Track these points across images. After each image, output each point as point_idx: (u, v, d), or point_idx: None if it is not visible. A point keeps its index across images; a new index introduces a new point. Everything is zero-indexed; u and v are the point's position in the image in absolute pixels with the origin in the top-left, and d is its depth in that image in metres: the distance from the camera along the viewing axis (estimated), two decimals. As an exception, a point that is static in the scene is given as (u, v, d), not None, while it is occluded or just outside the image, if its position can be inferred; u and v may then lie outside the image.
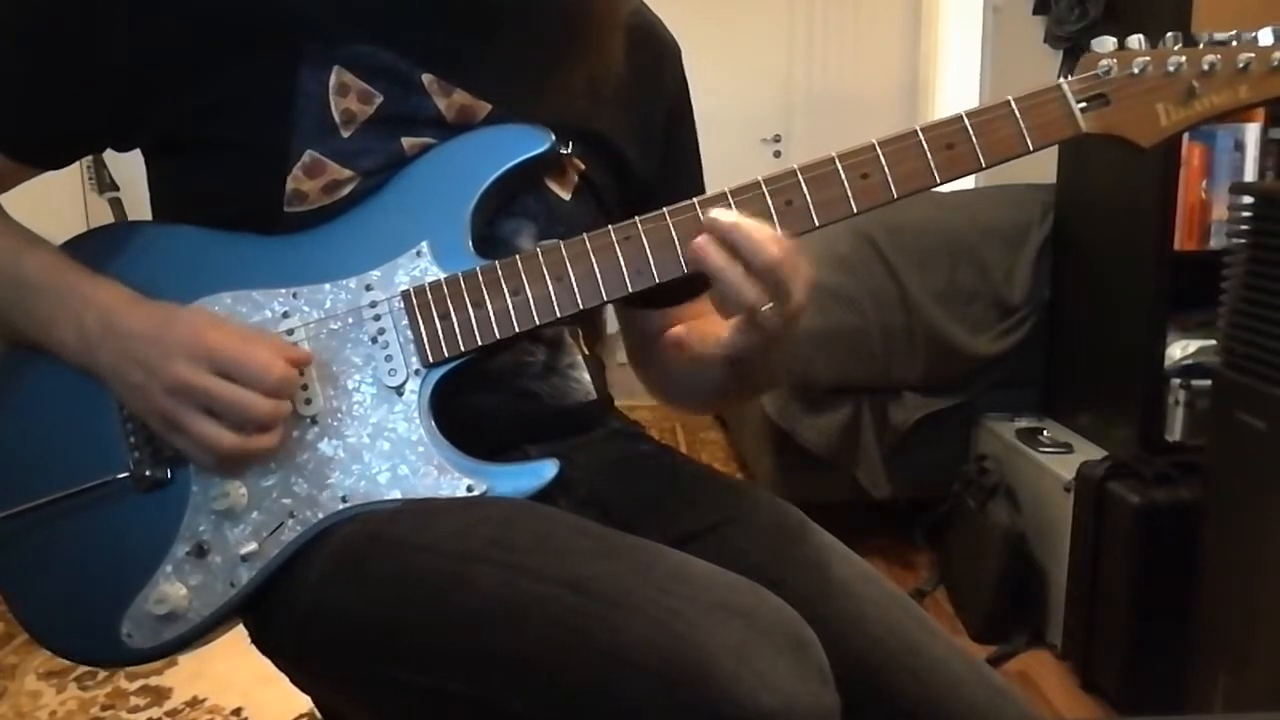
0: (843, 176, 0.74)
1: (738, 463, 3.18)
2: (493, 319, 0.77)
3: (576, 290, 0.76)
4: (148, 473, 0.77)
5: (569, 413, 0.89)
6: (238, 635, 0.82)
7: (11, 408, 0.80)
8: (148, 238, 0.82)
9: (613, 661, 0.60)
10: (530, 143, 0.79)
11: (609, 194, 0.88)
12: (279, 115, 0.76)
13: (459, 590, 0.67)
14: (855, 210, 0.75)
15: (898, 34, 4.48)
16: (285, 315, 0.78)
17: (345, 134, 0.78)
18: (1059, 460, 2.06)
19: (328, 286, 0.78)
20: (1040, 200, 2.38)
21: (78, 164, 0.88)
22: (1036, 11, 2.70)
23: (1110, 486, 1.81)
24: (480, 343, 0.77)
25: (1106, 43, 0.75)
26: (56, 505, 0.77)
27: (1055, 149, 2.31)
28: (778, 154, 4.56)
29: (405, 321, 0.77)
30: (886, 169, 0.74)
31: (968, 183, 2.95)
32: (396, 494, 0.76)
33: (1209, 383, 1.65)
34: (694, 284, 0.75)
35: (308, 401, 0.77)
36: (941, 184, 0.76)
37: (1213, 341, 1.87)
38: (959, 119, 0.74)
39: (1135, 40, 0.75)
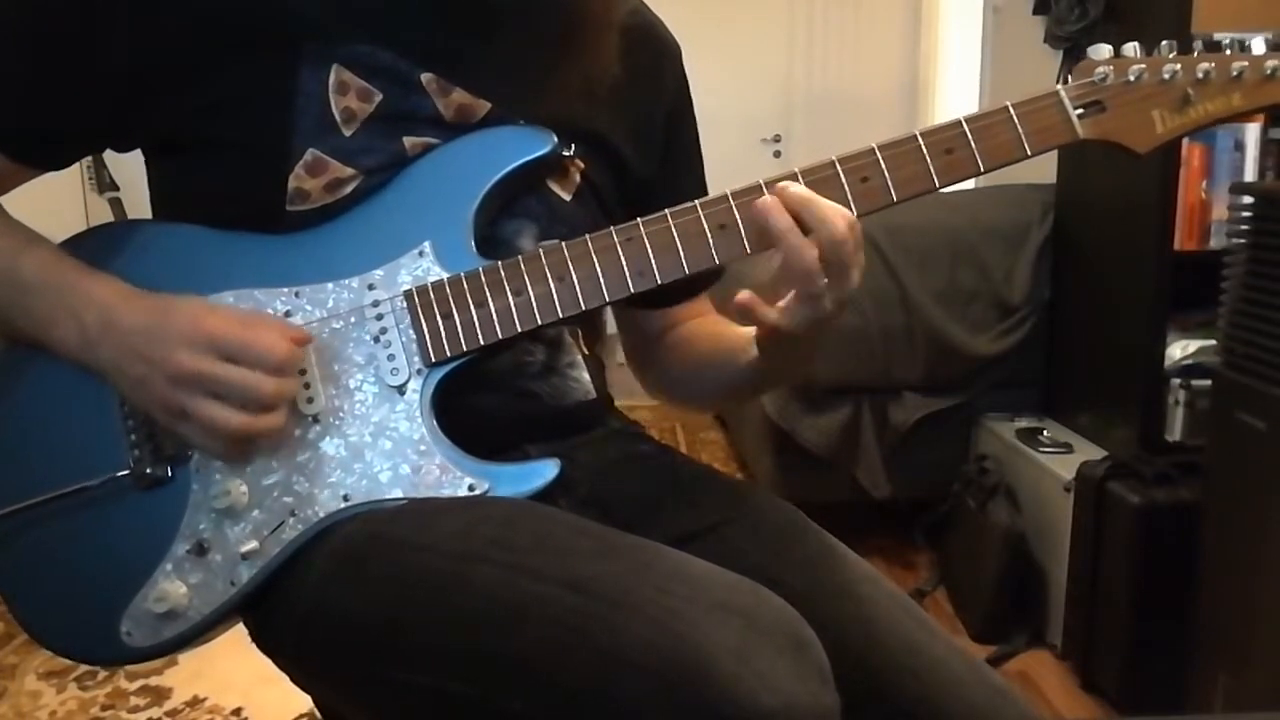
0: (843, 180, 0.75)
1: (738, 463, 3.18)
2: (495, 319, 0.77)
3: (578, 291, 0.76)
4: (148, 470, 0.77)
5: (569, 412, 0.89)
6: (238, 635, 0.82)
7: (11, 406, 0.80)
8: (148, 236, 0.82)
9: (613, 661, 0.60)
10: (533, 144, 0.79)
11: (610, 194, 0.89)
12: (279, 114, 0.76)
13: (459, 590, 0.67)
14: (855, 214, 0.75)
15: (898, 34, 4.48)
16: (288, 314, 0.78)
17: (347, 132, 0.78)
18: (1059, 460, 2.06)
19: (330, 286, 0.78)
20: (1040, 200, 2.38)
21: (78, 164, 0.87)
22: (1036, 11, 2.70)
23: (1110, 486, 1.81)
24: (482, 342, 0.77)
25: (1102, 50, 0.76)
26: (56, 503, 0.77)
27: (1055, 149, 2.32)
28: (778, 154, 4.56)
29: (408, 321, 0.77)
30: (886, 173, 0.75)
31: (968, 183, 2.94)
32: (398, 493, 0.76)
33: (1209, 383, 1.65)
34: (694, 284, 0.75)
35: (310, 400, 0.77)
36: (941, 188, 0.76)
37: (1213, 341, 1.87)
38: (958, 124, 0.75)
39: (1131, 48, 0.76)
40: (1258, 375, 1.45)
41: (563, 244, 0.77)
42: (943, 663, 0.73)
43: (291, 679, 0.82)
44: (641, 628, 0.60)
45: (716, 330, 0.95)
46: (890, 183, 0.75)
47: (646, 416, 1.06)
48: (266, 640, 0.79)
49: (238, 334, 0.73)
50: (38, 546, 0.79)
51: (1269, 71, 0.74)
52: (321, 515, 0.76)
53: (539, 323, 0.77)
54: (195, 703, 1.91)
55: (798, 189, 0.72)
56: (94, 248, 0.80)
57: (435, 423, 0.77)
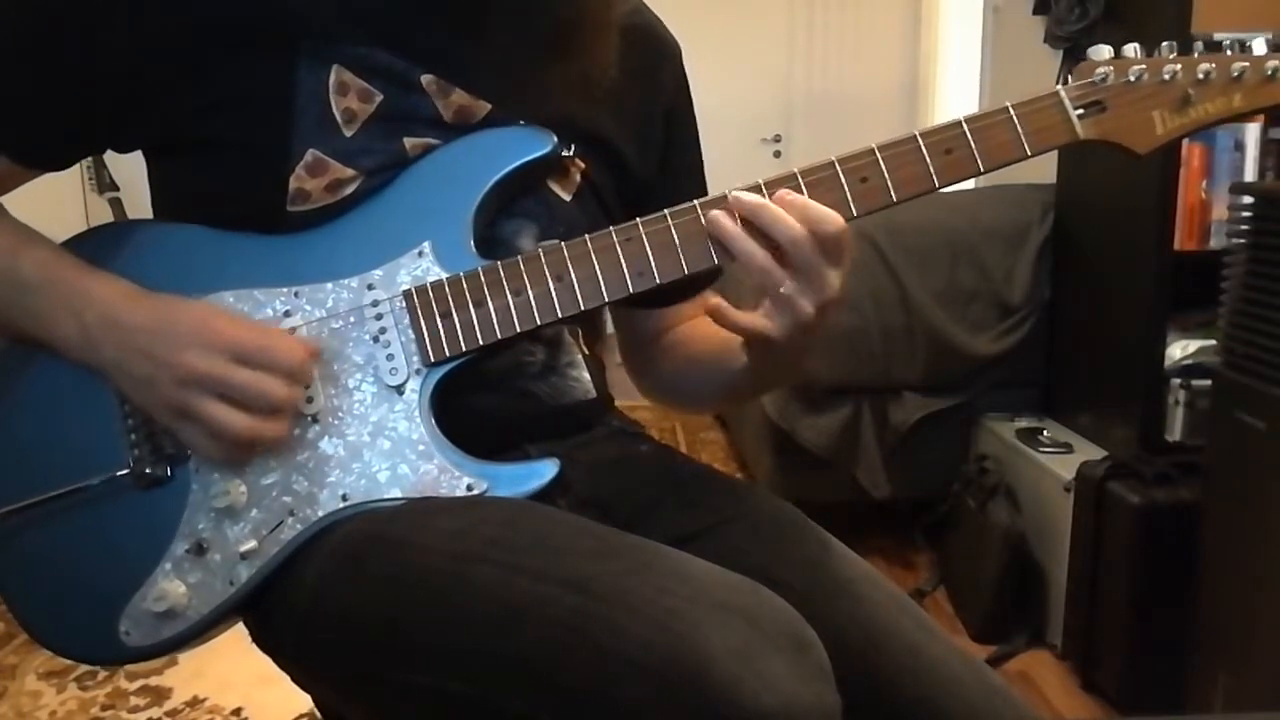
0: (843, 180, 0.75)
1: (738, 463, 3.18)
2: (494, 318, 0.77)
3: (578, 290, 0.76)
4: (148, 470, 0.77)
5: (568, 412, 0.89)
6: (238, 635, 0.82)
7: (11, 405, 0.80)
8: (148, 236, 0.82)
9: (613, 661, 0.60)
10: (533, 144, 0.79)
11: (610, 195, 0.89)
12: (279, 115, 0.76)
13: (459, 590, 0.67)
14: (854, 214, 0.75)
15: (898, 34, 4.49)
16: (287, 314, 0.78)
17: (347, 133, 0.78)
18: (1059, 460, 2.06)
19: (330, 285, 0.78)
20: (1040, 200, 2.38)
21: (78, 164, 0.87)
22: (1036, 11, 2.70)
23: (1110, 486, 1.81)
24: (481, 342, 0.77)
25: (1103, 51, 0.76)
26: (55, 503, 0.77)
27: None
28: (778, 154, 4.56)
29: (407, 321, 0.77)
30: (886, 173, 0.75)
31: (968, 183, 2.94)
32: (396, 492, 0.76)
33: (1209, 383, 1.65)
34: (691, 286, 0.75)
35: (309, 400, 0.77)
36: (940, 188, 0.76)
37: (1213, 341, 1.87)
38: (958, 124, 0.75)
39: (1131, 49, 0.76)
40: (1258, 375, 1.45)
41: (562, 244, 0.77)
42: (942, 663, 0.73)
43: (291, 679, 0.82)
44: (642, 628, 0.60)
45: (712, 332, 0.95)
46: (890, 183, 0.75)
47: (647, 416, 1.06)
48: (266, 640, 0.79)
49: (253, 338, 0.73)
50: (37, 546, 0.79)
51: (1269, 72, 0.74)
52: (320, 515, 0.76)
53: (538, 323, 0.77)
54: (195, 703, 1.91)
55: (750, 198, 0.74)
56: (94, 247, 0.80)
57: (434, 423, 0.77)
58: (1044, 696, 1.91)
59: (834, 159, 0.75)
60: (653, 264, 0.76)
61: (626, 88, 0.88)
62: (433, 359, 0.77)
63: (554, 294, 0.76)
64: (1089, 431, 2.19)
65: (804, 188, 0.74)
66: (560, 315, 0.77)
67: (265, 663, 0.80)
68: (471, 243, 0.78)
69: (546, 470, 0.77)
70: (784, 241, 0.72)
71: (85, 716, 1.89)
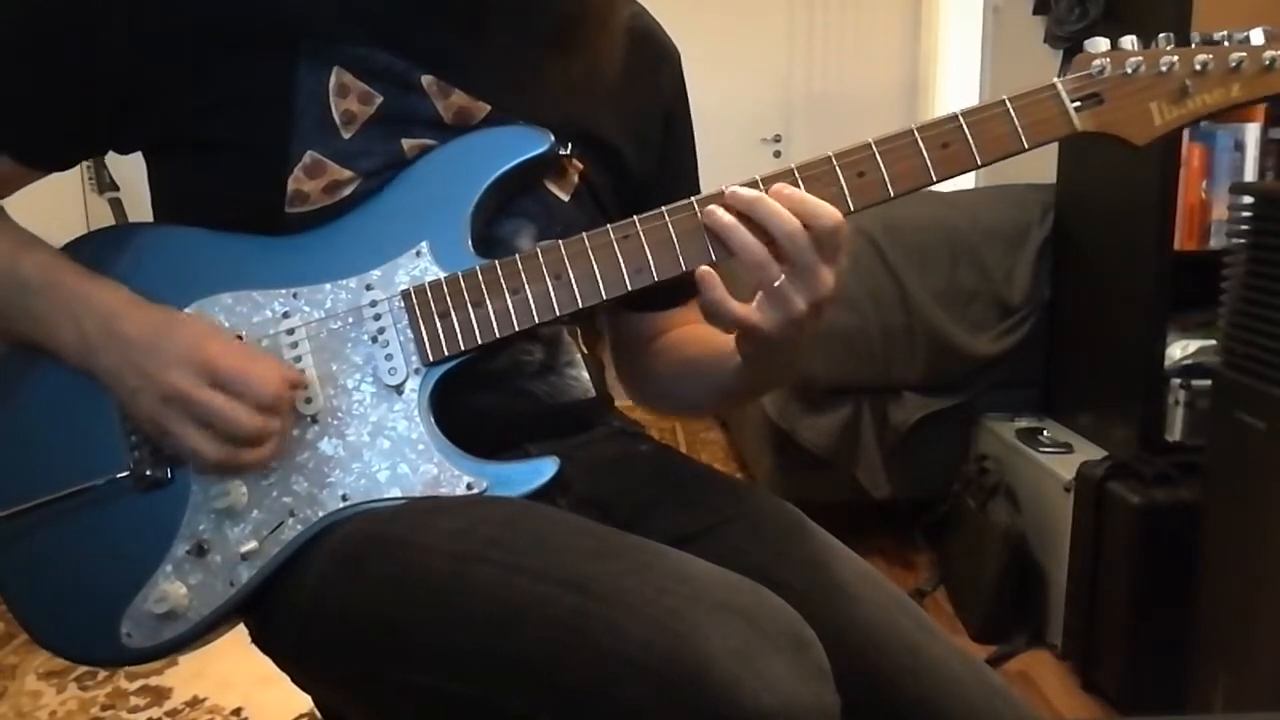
0: (839, 175, 0.75)
1: (738, 463, 3.18)
2: (492, 318, 0.77)
3: (576, 289, 0.76)
4: (148, 472, 0.77)
5: (567, 411, 0.89)
6: (238, 635, 0.82)
7: (11, 408, 0.80)
8: (148, 239, 0.82)
9: (613, 661, 0.60)
10: (530, 143, 0.80)
11: (608, 196, 0.89)
12: (279, 116, 0.76)
13: (459, 590, 0.67)
14: (852, 208, 0.75)
15: (898, 34, 4.48)
16: (285, 315, 0.78)
17: (346, 135, 0.78)
18: (1059, 460, 2.05)
19: (328, 286, 0.78)
20: (1040, 200, 2.38)
21: (78, 164, 0.88)
22: (1036, 11, 2.70)
23: (1110, 486, 1.81)
24: (480, 341, 0.77)
25: (1099, 43, 0.76)
26: (56, 505, 0.77)
27: (1056, 149, 2.32)
28: (778, 154, 4.56)
29: (405, 321, 0.77)
30: (883, 167, 0.75)
31: (968, 182, 2.95)
32: (396, 492, 0.76)
33: (1209, 383, 1.64)
34: (686, 289, 0.75)
35: (308, 400, 0.77)
36: (938, 182, 0.76)
37: (1213, 341, 1.87)
38: (954, 118, 0.75)
39: (1128, 41, 0.76)
40: (1258, 375, 1.45)
41: (560, 243, 0.77)
42: (942, 663, 0.73)
43: (292, 679, 0.82)
44: (641, 628, 0.60)
45: (705, 336, 0.95)
46: (887, 177, 0.75)
47: (646, 416, 1.06)
48: (266, 640, 0.79)
49: (232, 363, 0.73)
50: (38, 548, 0.79)
51: (1268, 62, 0.74)
52: (320, 515, 0.76)
53: (536, 321, 0.77)
54: (195, 703, 1.91)
55: (746, 192, 0.74)
56: (95, 251, 0.80)
57: (433, 422, 0.77)
58: (1044, 696, 1.91)
59: (830, 154, 0.75)
60: (650, 261, 0.76)
61: (626, 90, 0.88)
62: (431, 359, 0.77)
63: (552, 293, 0.76)
64: (1089, 431, 2.19)
65: (801, 183, 0.74)
66: (558, 314, 0.77)
67: (265, 663, 0.80)
68: (469, 242, 0.78)
69: (546, 469, 0.77)
70: (779, 236, 0.72)
71: (85, 716, 1.89)
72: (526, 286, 0.77)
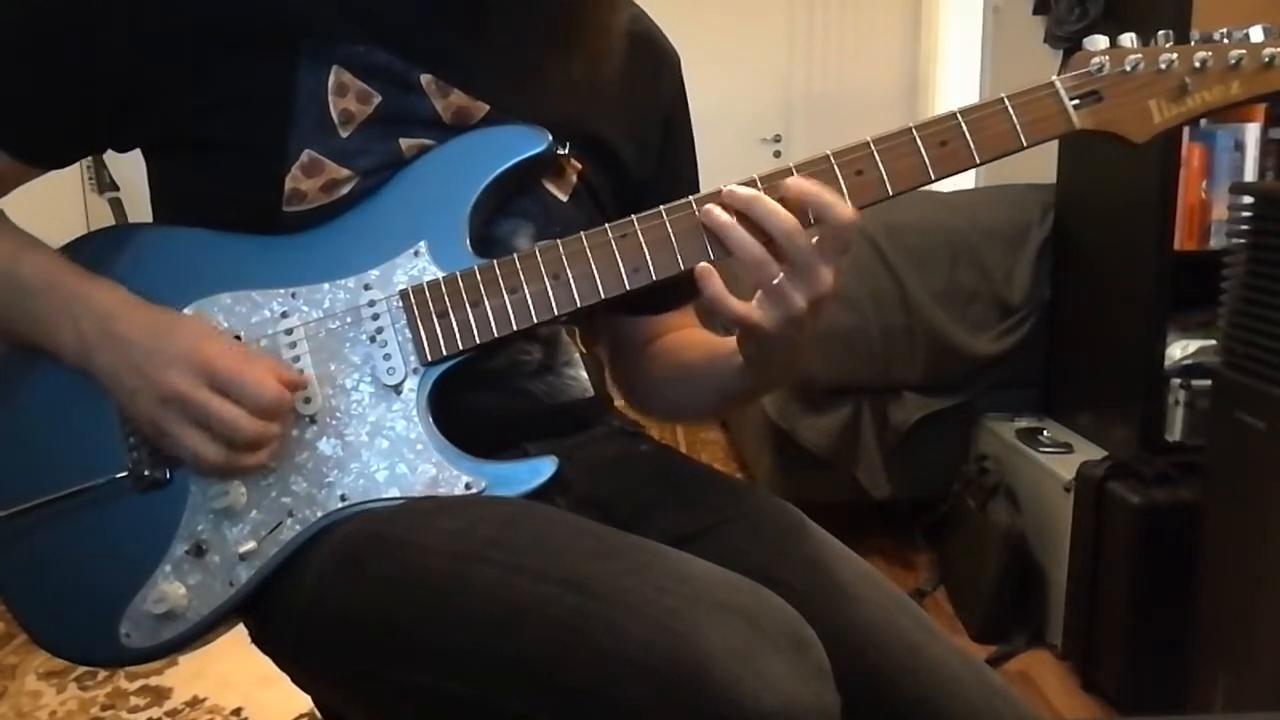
0: (838, 174, 0.75)
1: (738, 463, 3.18)
2: (491, 318, 0.77)
3: (574, 289, 0.76)
4: (146, 473, 0.77)
5: (565, 410, 0.89)
6: (238, 635, 0.82)
7: (11, 408, 0.80)
8: (147, 239, 0.82)
9: (613, 661, 0.60)
10: (528, 143, 0.79)
11: (607, 196, 0.89)
12: (278, 115, 0.76)
13: (458, 590, 0.66)
14: (851, 207, 0.74)
15: (898, 34, 4.48)
16: (284, 315, 0.78)
17: (344, 134, 0.78)
18: (1059, 460, 2.05)
19: (326, 286, 0.78)
20: (1040, 200, 2.38)
21: (78, 164, 0.88)
22: (1036, 11, 2.70)
23: (1110, 486, 1.81)
24: (478, 341, 0.77)
25: (1098, 41, 0.76)
26: (55, 505, 0.77)
27: (1056, 149, 2.32)
28: (777, 154, 4.56)
29: (404, 320, 0.77)
30: (881, 166, 0.75)
31: (968, 183, 2.95)
32: (395, 492, 0.76)
33: (1209, 383, 1.64)
34: (683, 292, 0.75)
35: (307, 400, 0.77)
36: (936, 180, 0.76)
37: (1213, 341, 1.87)
38: (953, 116, 0.75)
39: (1127, 39, 0.75)
40: (1258, 375, 1.45)
41: (558, 242, 0.77)
42: (942, 663, 0.73)
43: (291, 679, 0.82)
44: (642, 628, 0.60)
45: (701, 339, 0.95)
46: (885, 175, 0.75)
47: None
48: (266, 640, 0.79)
49: (230, 366, 0.73)
50: (37, 548, 0.79)
51: (1267, 59, 0.74)
52: (319, 515, 0.76)
53: (534, 321, 0.77)
54: (195, 703, 1.91)
55: (744, 191, 0.74)
56: (94, 252, 0.80)
57: (432, 422, 0.77)
58: (1044, 696, 1.91)
59: (829, 152, 0.75)
60: (649, 260, 0.76)
61: (625, 92, 0.89)
62: (430, 358, 0.77)
63: (550, 292, 0.76)
64: (1089, 431, 2.19)
65: None
66: (557, 313, 0.77)
67: (265, 663, 0.80)
68: (468, 242, 0.78)
69: (545, 468, 0.77)
70: (777, 234, 0.72)
71: (85, 716, 1.89)
72: (524, 286, 0.77)
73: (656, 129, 0.94)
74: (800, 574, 0.76)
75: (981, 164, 0.76)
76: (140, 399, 0.73)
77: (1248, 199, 1.51)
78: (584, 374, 0.92)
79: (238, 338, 0.77)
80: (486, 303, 0.77)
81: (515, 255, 0.77)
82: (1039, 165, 2.29)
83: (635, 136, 0.91)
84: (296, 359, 0.78)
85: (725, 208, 0.74)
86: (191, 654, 0.81)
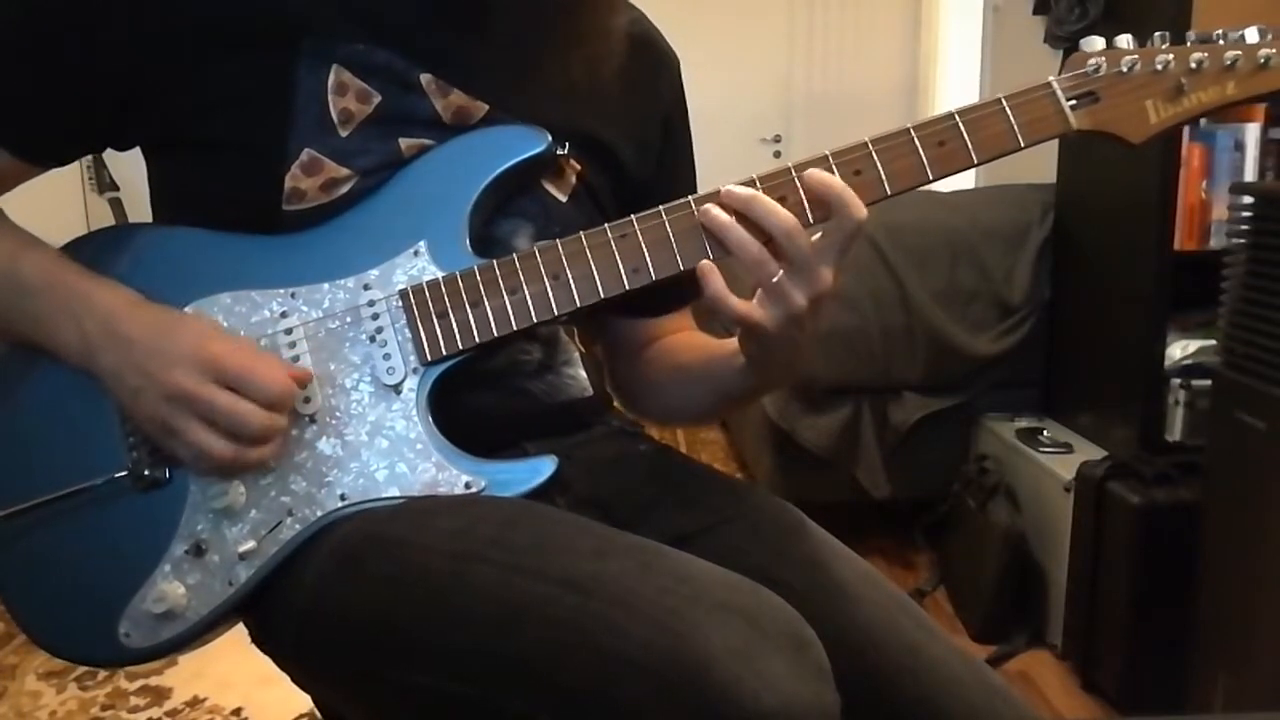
0: (836, 174, 0.75)
1: (738, 463, 3.18)
2: (490, 317, 0.77)
3: (574, 289, 0.76)
4: (146, 472, 0.77)
5: (565, 410, 0.89)
6: (238, 635, 0.81)
7: (10, 408, 0.80)
8: (147, 239, 0.82)
9: (613, 661, 0.60)
10: (527, 143, 0.80)
11: (606, 197, 0.89)
12: (277, 113, 0.76)
13: (458, 590, 0.66)
14: None
15: (898, 34, 4.48)
16: (284, 315, 0.78)
17: (343, 133, 0.78)
18: (1059, 460, 2.05)
19: (326, 286, 0.78)
20: (1040, 200, 2.38)
21: (78, 164, 0.88)
22: (1036, 11, 2.70)
23: (1110, 486, 1.81)
24: (478, 341, 0.77)
25: (1095, 42, 0.76)
26: (54, 505, 0.77)
27: (1055, 149, 2.32)
28: (777, 154, 4.56)
29: (403, 320, 0.77)
30: (879, 166, 0.75)
31: (968, 183, 2.95)
32: (394, 491, 0.76)
33: (1209, 383, 1.64)
34: (681, 294, 0.75)
35: (306, 400, 0.77)
36: (934, 180, 0.76)
37: (1213, 341, 1.87)
38: (951, 116, 0.75)
39: (1124, 40, 0.76)
40: (1258, 375, 1.45)
41: (557, 242, 0.77)
42: (942, 663, 0.73)
43: (291, 679, 0.82)
44: (642, 628, 0.60)
45: (698, 342, 0.95)
46: (884, 175, 0.75)
47: (645, 417, 1.06)
48: (266, 640, 0.79)
49: (239, 361, 0.73)
50: (36, 548, 0.79)
51: (1262, 60, 0.74)
52: (319, 515, 0.76)
53: (534, 321, 0.77)
54: (195, 703, 1.91)
55: (742, 191, 0.74)
56: (94, 251, 0.80)
57: (431, 421, 0.77)
58: (1044, 696, 1.91)
59: (827, 153, 0.75)
60: (648, 260, 0.76)
61: (625, 93, 0.89)
62: (429, 358, 0.77)
63: (550, 292, 0.76)
64: (1089, 431, 2.19)
65: (797, 181, 0.74)
66: (556, 313, 0.77)
67: (265, 663, 0.80)
68: (467, 242, 0.78)
69: (545, 468, 0.77)
70: (777, 233, 0.72)
71: (85, 716, 1.89)
72: (524, 286, 0.77)
73: (656, 130, 0.94)
74: (800, 574, 0.76)
75: (979, 164, 0.76)
76: (144, 398, 0.73)
77: (1248, 199, 1.51)
78: (583, 373, 0.92)
79: None
80: (486, 303, 0.77)
81: (515, 255, 0.77)
82: (1039, 165, 2.29)
83: (635, 137, 0.91)
84: (296, 359, 0.78)
85: (724, 207, 0.74)
86: (191, 654, 0.81)
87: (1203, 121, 1.90)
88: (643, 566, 0.65)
